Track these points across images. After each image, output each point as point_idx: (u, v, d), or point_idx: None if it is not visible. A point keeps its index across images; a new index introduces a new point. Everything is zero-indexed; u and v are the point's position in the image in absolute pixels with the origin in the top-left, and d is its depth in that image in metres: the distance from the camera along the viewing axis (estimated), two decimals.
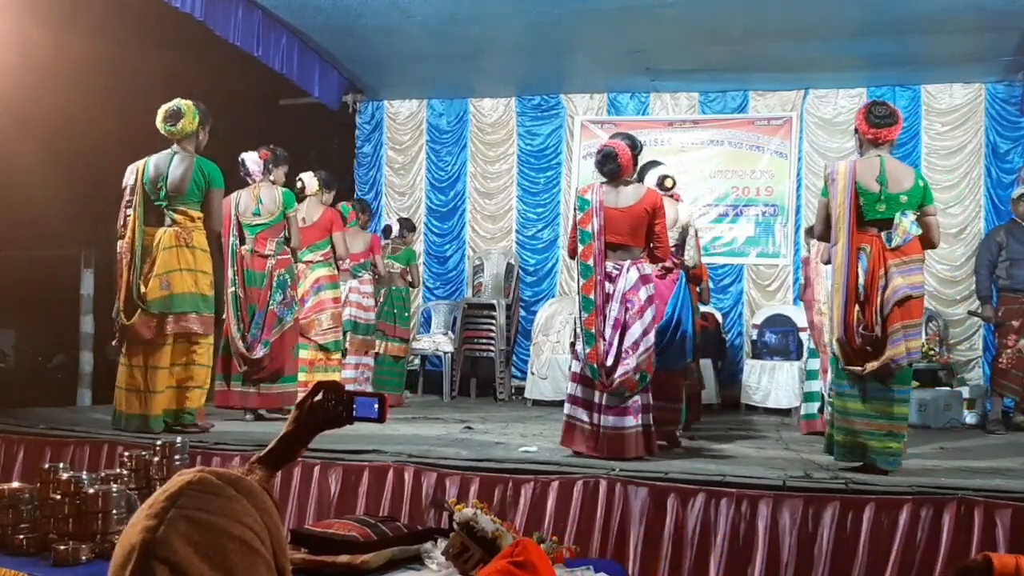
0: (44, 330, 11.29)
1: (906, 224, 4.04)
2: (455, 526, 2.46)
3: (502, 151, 9.39)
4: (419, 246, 9.00)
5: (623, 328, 4.34)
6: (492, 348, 8.51)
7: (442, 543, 2.53)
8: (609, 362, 4.29)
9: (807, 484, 3.67)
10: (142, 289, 4.74)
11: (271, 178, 5.86)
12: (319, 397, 1.68)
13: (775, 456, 4.73)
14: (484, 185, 9.44)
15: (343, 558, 2.44)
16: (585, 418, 4.37)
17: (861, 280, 4.03)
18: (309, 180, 6.47)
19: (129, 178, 4.91)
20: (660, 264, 4.76)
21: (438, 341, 8.53)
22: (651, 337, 4.40)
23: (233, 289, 5.53)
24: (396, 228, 7.74)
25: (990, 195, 8.22)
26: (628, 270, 4.40)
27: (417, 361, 8.56)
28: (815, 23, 7.08)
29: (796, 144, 8.65)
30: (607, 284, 4.39)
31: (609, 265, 4.41)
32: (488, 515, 2.49)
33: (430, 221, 9.47)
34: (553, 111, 9.28)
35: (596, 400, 4.35)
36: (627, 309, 4.35)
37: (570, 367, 4.59)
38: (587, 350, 4.34)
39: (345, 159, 9.75)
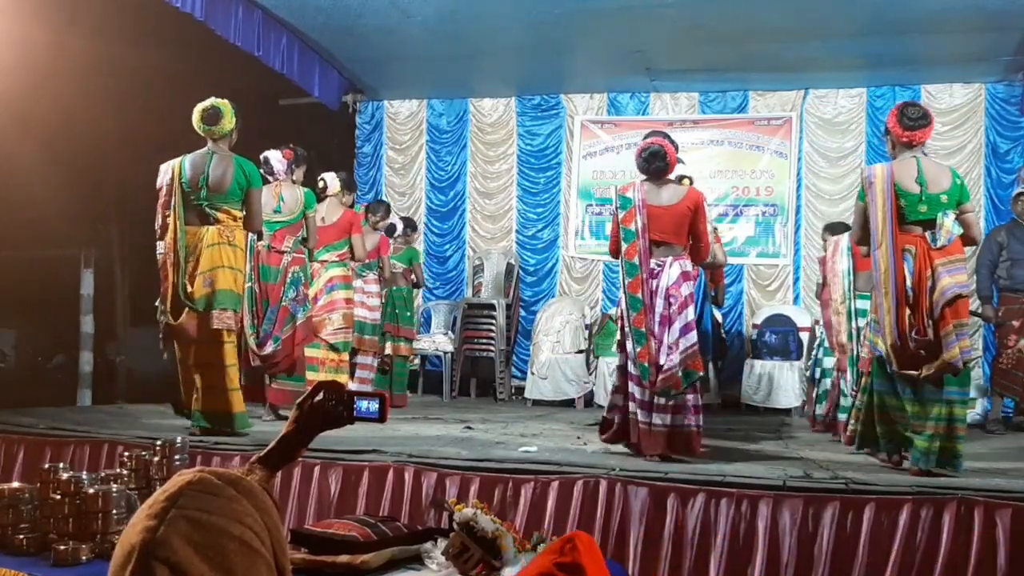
0: (44, 330, 11.30)
1: (949, 224, 4.00)
2: (455, 526, 2.46)
3: (502, 151, 9.39)
4: (419, 246, 9.00)
5: (669, 324, 4.35)
6: (492, 348, 8.51)
7: (442, 543, 2.53)
8: (661, 360, 4.29)
9: (807, 484, 3.67)
10: (188, 288, 4.74)
11: (293, 177, 5.91)
12: (319, 397, 1.67)
13: (775, 456, 4.73)
14: (484, 185, 9.44)
15: (343, 558, 2.44)
16: (644, 418, 4.34)
17: (908, 282, 3.98)
18: (331, 180, 6.48)
19: (164, 178, 4.84)
20: (701, 262, 4.77)
21: (438, 341, 8.53)
22: (693, 335, 4.38)
23: (249, 284, 5.54)
24: (400, 227, 7.73)
25: (990, 195, 8.22)
26: (670, 266, 4.40)
27: (417, 361, 8.55)
28: (815, 23, 7.08)
29: (796, 144, 8.65)
30: (651, 281, 4.39)
31: (652, 262, 4.42)
32: (488, 515, 2.49)
33: (430, 221, 9.47)
34: (553, 111, 9.28)
35: (650, 399, 4.34)
36: (670, 304, 4.36)
37: (623, 366, 4.51)
38: (638, 349, 4.33)
39: (345, 159, 9.74)
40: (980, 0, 6.48)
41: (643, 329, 4.33)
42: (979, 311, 6.98)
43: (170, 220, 4.78)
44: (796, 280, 8.60)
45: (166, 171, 4.85)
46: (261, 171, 5.77)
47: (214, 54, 7.41)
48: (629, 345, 4.39)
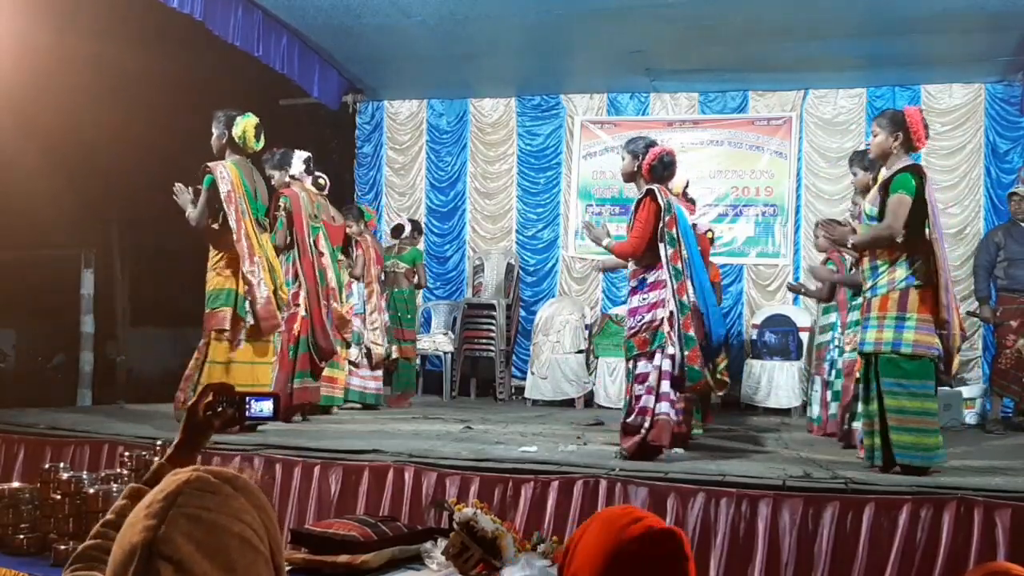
0: (44, 330, 11.31)
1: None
2: (455, 526, 2.47)
3: (502, 151, 9.39)
4: (420, 246, 9.00)
5: None
6: (492, 348, 8.51)
7: (442, 543, 2.54)
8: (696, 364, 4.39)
9: (807, 484, 3.67)
10: (280, 293, 4.93)
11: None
12: (209, 399, 1.66)
13: (775, 456, 4.73)
14: (484, 185, 9.44)
15: (343, 558, 2.44)
16: (674, 416, 4.44)
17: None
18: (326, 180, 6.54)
19: (226, 182, 4.74)
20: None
21: (438, 341, 8.53)
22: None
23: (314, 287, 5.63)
24: (408, 228, 7.73)
25: (990, 195, 8.22)
26: None
27: (417, 361, 8.55)
28: (815, 23, 7.08)
29: (796, 144, 8.65)
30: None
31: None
32: (488, 515, 2.50)
33: (430, 221, 9.47)
34: (553, 111, 9.28)
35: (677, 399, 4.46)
36: None
37: (660, 367, 4.38)
38: (686, 352, 4.34)
39: (345, 159, 9.75)
40: (980, 0, 6.49)
41: (691, 333, 4.34)
42: (978, 312, 6.98)
43: (243, 225, 4.74)
44: (796, 280, 8.59)
45: (226, 175, 4.76)
46: (272, 168, 5.83)
47: (214, 54, 7.41)
48: (674, 349, 4.33)
